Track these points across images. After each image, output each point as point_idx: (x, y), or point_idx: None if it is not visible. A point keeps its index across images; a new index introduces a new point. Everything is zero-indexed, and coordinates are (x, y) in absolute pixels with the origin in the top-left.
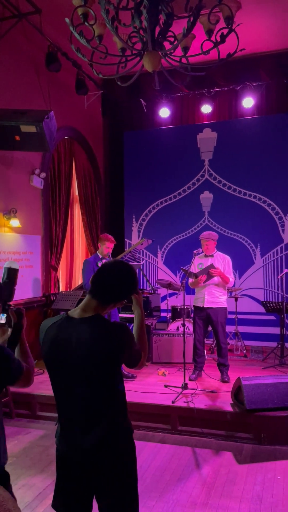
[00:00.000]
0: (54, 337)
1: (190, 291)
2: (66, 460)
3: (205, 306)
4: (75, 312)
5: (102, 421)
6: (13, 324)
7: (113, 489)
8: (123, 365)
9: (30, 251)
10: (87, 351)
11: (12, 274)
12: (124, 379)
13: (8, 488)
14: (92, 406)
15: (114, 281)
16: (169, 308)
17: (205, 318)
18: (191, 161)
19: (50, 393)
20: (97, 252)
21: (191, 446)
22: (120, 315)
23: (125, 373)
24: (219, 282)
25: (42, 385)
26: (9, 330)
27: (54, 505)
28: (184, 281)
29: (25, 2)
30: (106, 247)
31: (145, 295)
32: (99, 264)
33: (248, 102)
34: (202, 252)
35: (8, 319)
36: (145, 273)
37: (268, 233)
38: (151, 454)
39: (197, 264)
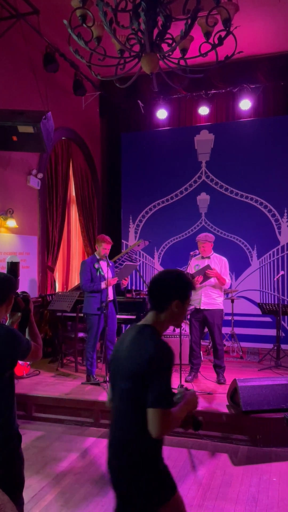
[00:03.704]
0: None
1: None
2: None
3: (201, 308)
4: None
5: None
6: (21, 309)
7: None
8: None
9: (27, 252)
10: None
11: (14, 267)
12: None
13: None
14: None
15: None
16: None
17: (201, 319)
18: (188, 163)
19: (46, 394)
20: (94, 253)
21: (187, 448)
22: (119, 316)
23: None
24: (216, 283)
25: (38, 386)
26: (19, 315)
27: None
28: None
29: (23, 2)
30: (103, 248)
31: (141, 296)
32: (96, 266)
33: (245, 104)
34: (199, 253)
35: (16, 305)
36: (141, 274)
37: (264, 235)
38: None
39: (194, 265)
